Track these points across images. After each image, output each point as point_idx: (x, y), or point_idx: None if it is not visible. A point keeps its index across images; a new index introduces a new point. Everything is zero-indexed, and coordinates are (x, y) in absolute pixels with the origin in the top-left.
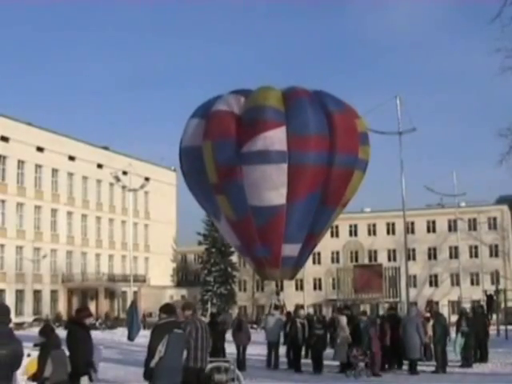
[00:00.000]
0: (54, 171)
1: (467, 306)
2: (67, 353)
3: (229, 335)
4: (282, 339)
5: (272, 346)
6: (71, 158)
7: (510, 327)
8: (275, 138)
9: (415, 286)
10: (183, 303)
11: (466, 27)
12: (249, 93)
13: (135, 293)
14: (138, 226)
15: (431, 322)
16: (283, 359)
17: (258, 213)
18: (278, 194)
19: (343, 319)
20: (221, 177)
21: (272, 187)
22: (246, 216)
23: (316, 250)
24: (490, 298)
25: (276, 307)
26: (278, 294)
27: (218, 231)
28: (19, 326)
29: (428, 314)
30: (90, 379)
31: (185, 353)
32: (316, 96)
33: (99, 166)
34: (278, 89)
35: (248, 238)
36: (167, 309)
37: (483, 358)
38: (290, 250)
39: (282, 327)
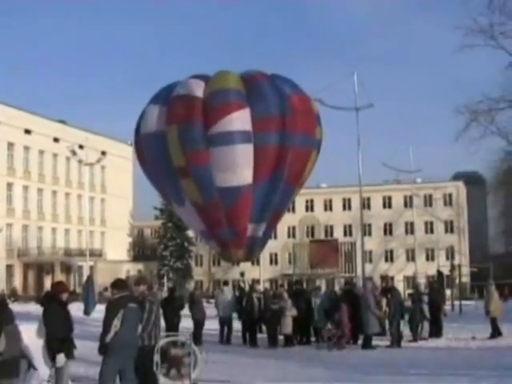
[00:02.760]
0: (10, 145)
1: (422, 281)
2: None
3: (186, 310)
4: (235, 314)
5: (224, 322)
6: (27, 132)
7: (464, 302)
8: (240, 119)
9: (371, 261)
10: (137, 278)
11: (425, 4)
12: (207, 78)
13: (91, 267)
14: (94, 201)
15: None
16: (237, 334)
17: (225, 194)
18: (245, 174)
19: (285, 293)
20: (188, 160)
21: (239, 167)
22: (214, 198)
23: None
24: (439, 274)
25: (226, 283)
26: (242, 275)
27: (178, 215)
28: None
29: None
30: (71, 356)
31: (139, 328)
32: (272, 79)
33: (55, 139)
34: (236, 72)
35: (215, 220)
36: (118, 284)
37: (437, 333)
38: (256, 229)
39: (234, 303)
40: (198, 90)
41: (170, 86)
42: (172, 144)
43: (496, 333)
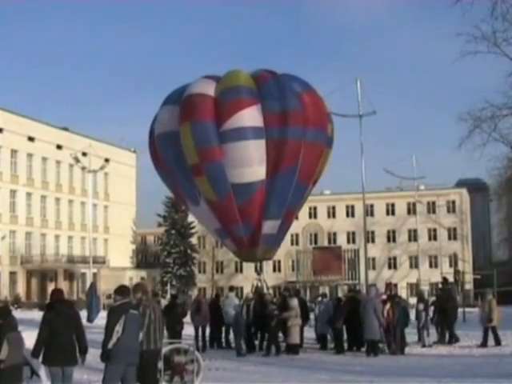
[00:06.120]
0: (13, 152)
1: (425, 288)
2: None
3: (187, 317)
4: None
5: (229, 327)
6: (30, 139)
7: (467, 309)
8: (252, 116)
9: (374, 268)
10: (134, 285)
11: (427, 11)
12: (218, 77)
13: (94, 274)
14: (97, 208)
15: (388, 305)
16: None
17: (238, 190)
18: (258, 169)
19: (293, 301)
20: (201, 157)
21: (251, 163)
22: (227, 195)
23: None
24: (445, 280)
25: (231, 289)
26: (258, 273)
27: (193, 216)
28: None
29: (385, 296)
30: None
31: (140, 335)
32: (282, 77)
33: (59, 146)
34: (246, 71)
35: (229, 217)
36: (121, 290)
37: (442, 340)
38: (270, 226)
39: (238, 308)
40: (210, 88)
41: (182, 88)
42: (185, 142)
43: (495, 341)
